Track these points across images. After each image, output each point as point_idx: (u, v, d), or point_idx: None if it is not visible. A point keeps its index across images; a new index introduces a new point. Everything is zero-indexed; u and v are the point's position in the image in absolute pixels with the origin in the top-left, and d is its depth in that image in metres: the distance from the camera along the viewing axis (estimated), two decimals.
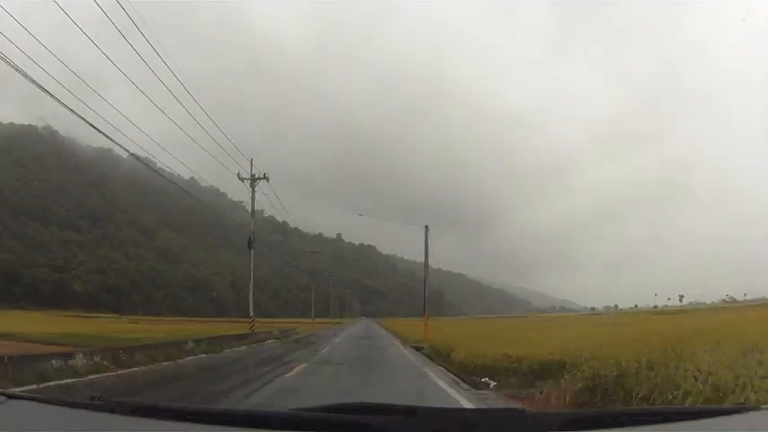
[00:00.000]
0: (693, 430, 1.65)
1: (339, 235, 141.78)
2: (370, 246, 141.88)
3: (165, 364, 13.28)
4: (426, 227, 29.69)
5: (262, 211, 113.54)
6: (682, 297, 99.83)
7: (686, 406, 2.49)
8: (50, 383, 9.07)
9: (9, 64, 10.34)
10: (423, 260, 30.93)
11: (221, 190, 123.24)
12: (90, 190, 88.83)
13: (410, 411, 1.61)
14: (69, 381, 9.71)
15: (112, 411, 1.75)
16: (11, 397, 1.86)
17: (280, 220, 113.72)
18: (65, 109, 12.50)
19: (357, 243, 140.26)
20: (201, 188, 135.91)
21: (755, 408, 1.92)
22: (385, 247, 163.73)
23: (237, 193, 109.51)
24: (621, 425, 1.67)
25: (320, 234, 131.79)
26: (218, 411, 1.84)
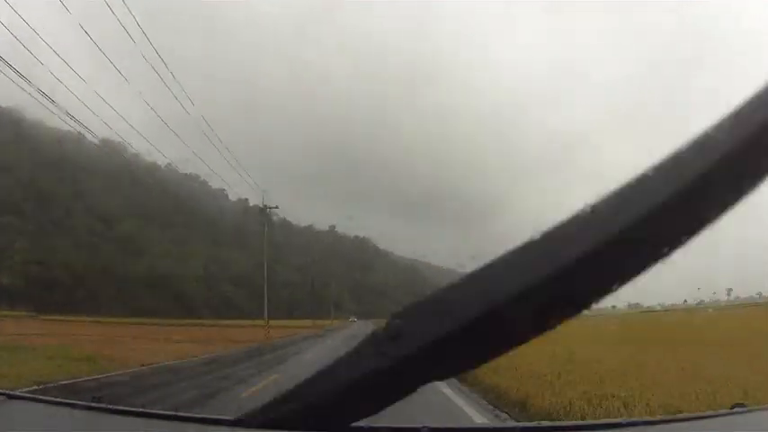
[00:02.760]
0: (692, 430, 1.78)
1: (332, 227, 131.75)
2: (365, 239, 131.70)
3: None
4: None
5: (246, 201, 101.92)
6: (730, 291, 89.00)
7: (686, 415, 2.02)
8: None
9: None
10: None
11: (202, 178, 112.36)
12: (45, 171, 77.58)
13: (414, 430, 1.85)
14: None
15: (113, 413, 1.71)
16: (11, 397, 1.81)
17: (267, 210, 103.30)
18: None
19: (352, 236, 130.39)
20: (180, 175, 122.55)
21: (755, 408, 1.83)
22: (382, 242, 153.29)
23: (218, 180, 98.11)
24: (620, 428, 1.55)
25: (311, 225, 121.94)
26: (215, 416, 1.64)
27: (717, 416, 1.75)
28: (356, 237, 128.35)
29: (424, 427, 1.47)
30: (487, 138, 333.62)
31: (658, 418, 2.28)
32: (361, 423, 1.40)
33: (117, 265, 60.79)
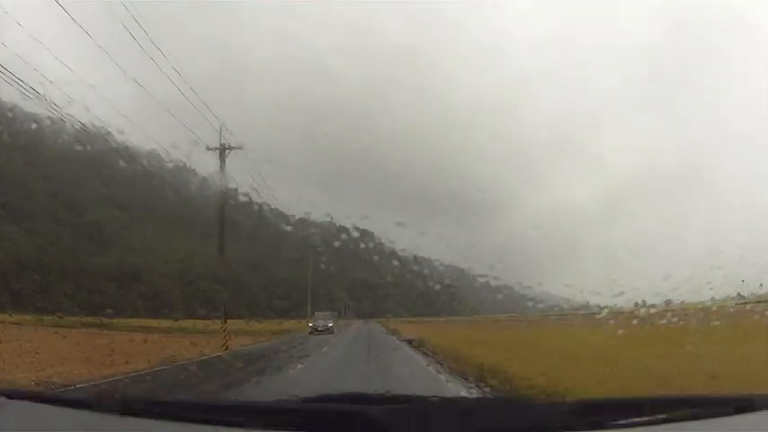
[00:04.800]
0: (693, 430, 1.65)
1: (331, 218, 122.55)
2: (366, 231, 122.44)
3: None
4: None
5: (235, 189, 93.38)
6: None
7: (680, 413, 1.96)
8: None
9: None
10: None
11: (188, 165, 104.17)
12: (7, 153, 69.22)
13: (405, 400, 1.63)
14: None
15: (112, 411, 1.72)
16: (11, 397, 1.81)
17: (257, 200, 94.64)
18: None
19: (352, 229, 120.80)
20: (165, 163, 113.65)
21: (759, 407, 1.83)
22: (383, 236, 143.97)
23: (208, 168, 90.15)
24: (626, 415, 1.64)
25: (308, 216, 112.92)
26: (212, 404, 1.81)
27: (717, 416, 1.73)
28: (358, 230, 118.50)
29: (414, 395, 1.62)
30: (495, 129, 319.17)
31: (666, 397, 2.11)
32: (356, 391, 1.74)
33: (77, 254, 52.41)
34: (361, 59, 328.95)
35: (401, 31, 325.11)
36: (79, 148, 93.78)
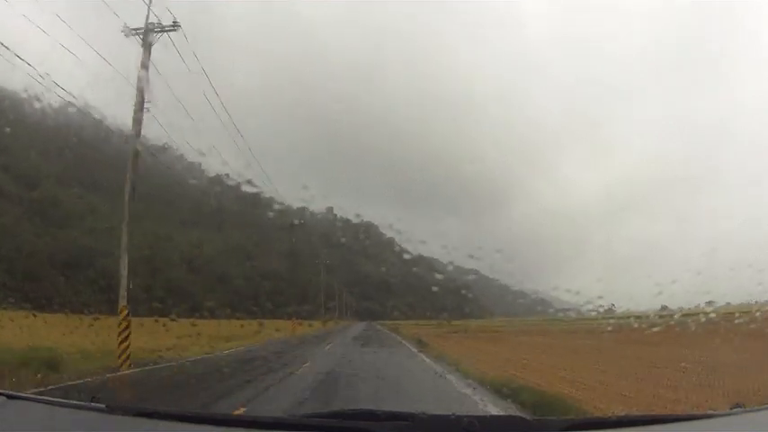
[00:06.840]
0: (693, 430, 1.70)
1: (330, 209, 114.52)
2: (369, 223, 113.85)
3: None
4: None
5: (226, 176, 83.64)
6: None
7: (687, 413, 2.14)
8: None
9: None
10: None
11: (176, 149, 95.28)
12: None
13: (409, 417, 1.64)
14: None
15: (111, 413, 1.73)
16: (11, 397, 1.81)
17: (245, 189, 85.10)
18: None
19: (355, 221, 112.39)
20: (150, 146, 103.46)
21: (754, 408, 1.87)
22: (386, 229, 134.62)
23: (196, 153, 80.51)
24: (622, 428, 1.73)
25: (305, 208, 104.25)
26: (215, 415, 1.80)
27: (716, 416, 1.76)
28: (360, 221, 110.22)
29: (417, 413, 1.59)
30: (500, 116, 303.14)
31: (658, 415, 2.12)
32: (361, 408, 1.74)
33: (19, 234, 43.07)
34: (357, 39, 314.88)
35: (398, 8, 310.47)
36: (47, 121, 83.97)
